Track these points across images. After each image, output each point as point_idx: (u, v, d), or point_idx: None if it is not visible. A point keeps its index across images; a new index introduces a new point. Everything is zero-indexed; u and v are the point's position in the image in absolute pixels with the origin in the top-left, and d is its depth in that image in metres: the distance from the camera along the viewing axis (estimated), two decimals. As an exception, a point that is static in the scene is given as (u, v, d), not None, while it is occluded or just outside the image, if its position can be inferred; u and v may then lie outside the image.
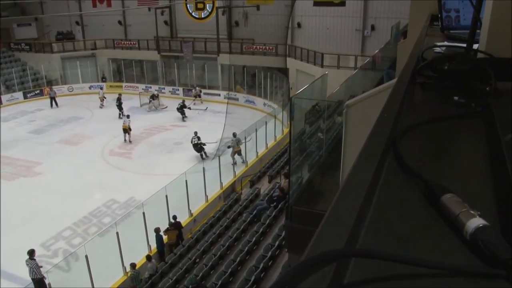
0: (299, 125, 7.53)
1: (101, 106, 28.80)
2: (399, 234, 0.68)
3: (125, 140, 22.50)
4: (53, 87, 32.08)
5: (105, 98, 28.85)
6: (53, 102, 29.86)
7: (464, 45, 1.82)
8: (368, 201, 0.71)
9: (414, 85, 1.63)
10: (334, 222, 0.61)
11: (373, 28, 26.60)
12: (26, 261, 11.69)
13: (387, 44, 15.37)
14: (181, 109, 26.08)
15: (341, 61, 24.95)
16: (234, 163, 18.17)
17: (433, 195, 0.78)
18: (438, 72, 1.66)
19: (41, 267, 11.88)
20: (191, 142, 19.96)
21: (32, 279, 11.59)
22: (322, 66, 25.08)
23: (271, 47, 29.48)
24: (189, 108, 26.36)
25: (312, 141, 8.22)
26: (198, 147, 19.89)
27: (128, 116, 23.05)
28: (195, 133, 20.10)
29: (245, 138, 18.28)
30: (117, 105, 26.76)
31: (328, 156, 7.62)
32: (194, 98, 29.16)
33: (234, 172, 17.52)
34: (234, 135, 18.74)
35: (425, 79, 1.65)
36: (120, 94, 27.96)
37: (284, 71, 27.84)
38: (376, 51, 14.85)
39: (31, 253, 11.78)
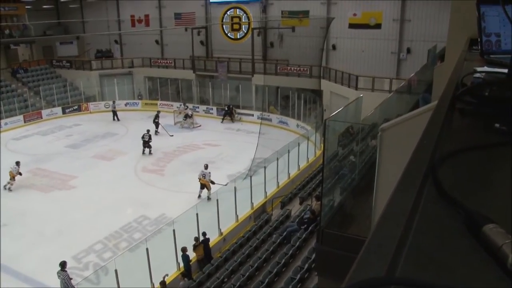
0: (332, 147, 7.48)
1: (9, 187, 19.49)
2: (439, 263, 0.67)
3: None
4: (91, 103, 33.16)
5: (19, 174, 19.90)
6: (115, 116, 30.69)
7: (505, 70, 1.78)
8: (407, 228, 0.71)
9: (454, 111, 1.61)
10: (375, 249, 0.62)
11: (408, 51, 26.40)
12: (58, 272, 11.95)
13: (423, 67, 15.16)
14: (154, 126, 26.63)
15: (376, 84, 24.77)
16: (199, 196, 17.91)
17: (474, 225, 0.77)
18: (478, 98, 1.63)
19: (72, 279, 12.12)
20: (142, 138, 23.13)
21: (63, 291, 11.83)
22: (356, 88, 24.96)
23: (305, 69, 29.58)
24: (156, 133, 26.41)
25: (344, 163, 8.14)
26: (147, 144, 23.09)
27: (148, 131, 24.05)
28: (148, 130, 23.63)
29: (277, 159, 18.24)
30: (154, 122, 27.19)
31: (361, 179, 7.52)
32: (184, 118, 29.30)
33: (265, 192, 17.48)
34: (206, 166, 18.48)
35: (465, 105, 1.63)
36: (158, 112, 28.49)
37: (318, 93, 27.83)
38: (412, 75, 14.66)
39: (63, 264, 12.06)
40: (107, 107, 33.33)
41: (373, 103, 9.24)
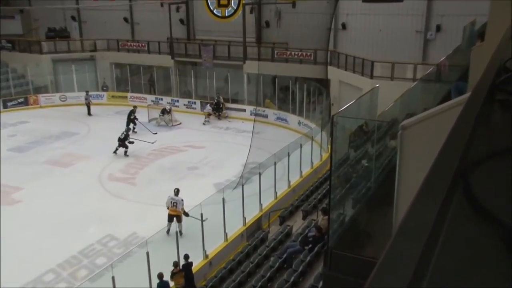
0: (342, 150, 7.49)
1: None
2: (470, 289, 0.67)
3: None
4: (42, 95, 33.09)
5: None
6: (90, 110, 30.95)
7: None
8: (431, 247, 0.71)
9: (493, 104, 1.60)
10: (389, 272, 0.61)
11: (438, 29, 26.32)
12: None
13: (457, 49, 15.20)
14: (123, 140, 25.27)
15: (396, 71, 24.83)
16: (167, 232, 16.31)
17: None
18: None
19: None
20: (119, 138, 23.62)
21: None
22: (371, 77, 25.05)
23: (308, 54, 29.66)
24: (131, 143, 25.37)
25: (357, 169, 8.16)
26: (122, 143, 23.55)
27: (129, 128, 24.74)
28: (128, 128, 24.81)
29: (275, 164, 18.25)
30: (130, 119, 27.29)
31: (378, 188, 7.53)
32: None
33: (261, 205, 17.48)
34: (176, 192, 16.78)
35: (508, 96, 1.61)
36: (135, 107, 28.61)
37: (324, 83, 27.88)
38: (442, 58, 14.69)
39: None
40: (63, 100, 33.20)
41: (392, 95, 9.27)
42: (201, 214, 14.32)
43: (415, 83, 15.61)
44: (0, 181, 19.71)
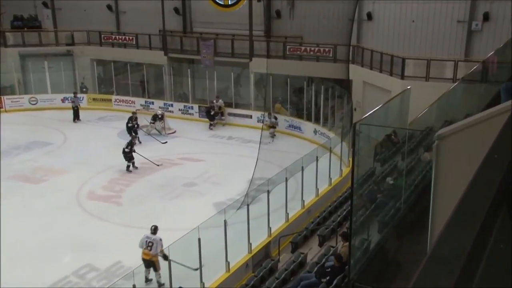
0: (366, 163, 7.50)
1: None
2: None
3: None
4: (6, 97, 32.95)
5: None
6: (76, 116, 30.85)
7: None
8: (467, 277, 0.71)
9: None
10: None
11: (486, 17, 26.01)
12: None
13: (509, 42, 15.19)
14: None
15: (432, 70, 24.78)
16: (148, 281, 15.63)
17: None
18: None
19: None
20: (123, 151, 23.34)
21: None
22: (402, 77, 25.04)
23: (327, 50, 29.71)
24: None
25: (384, 186, 8.16)
26: (127, 156, 23.31)
27: (134, 137, 24.91)
28: (133, 136, 24.80)
29: (286, 180, 18.25)
30: (129, 127, 27.08)
31: (409, 210, 7.53)
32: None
33: (269, 228, 17.46)
34: (154, 229, 15.44)
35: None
36: (134, 113, 28.21)
37: (345, 84, 27.85)
38: (490, 54, 14.68)
39: None
40: (33, 103, 33.14)
41: (427, 99, 9.26)
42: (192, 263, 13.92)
43: (455, 84, 15.56)
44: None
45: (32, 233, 18.28)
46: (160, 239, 15.04)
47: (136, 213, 19.94)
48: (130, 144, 23.65)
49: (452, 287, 0.64)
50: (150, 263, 14.99)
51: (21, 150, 26.60)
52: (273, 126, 28.56)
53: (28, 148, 26.89)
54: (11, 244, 17.49)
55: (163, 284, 14.67)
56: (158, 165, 23.92)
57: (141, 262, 13.31)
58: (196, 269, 13.71)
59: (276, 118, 29.00)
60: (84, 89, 34.88)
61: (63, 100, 33.37)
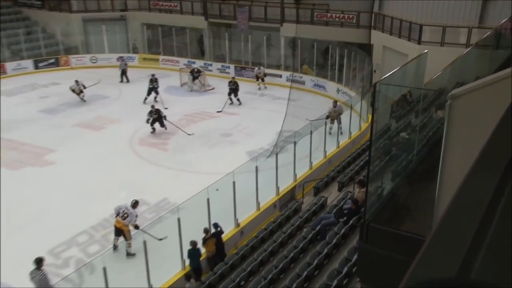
0: (383, 120, 7.42)
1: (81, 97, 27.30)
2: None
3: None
4: (72, 56, 33.38)
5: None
6: (124, 76, 30.65)
7: None
8: (485, 225, 0.70)
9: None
10: (441, 249, 0.61)
11: (501, -14, 25.11)
12: (32, 272, 11.39)
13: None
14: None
15: (448, 36, 24.15)
16: None
17: None
18: None
19: (49, 280, 11.66)
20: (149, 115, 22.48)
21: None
22: (419, 42, 24.52)
23: (351, 16, 29.19)
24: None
25: (399, 141, 8.08)
26: (156, 119, 22.45)
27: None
28: (152, 106, 23.08)
29: (311, 133, 18.19)
30: (152, 88, 26.67)
31: (421, 162, 7.46)
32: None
33: (295, 175, 17.51)
34: (134, 204, 14.36)
35: None
36: (153, 75, 27.26)
37: (366, 48, 27.46)
38: (504, 20, 14.14)
39: (39, 261, 11.47)
40: (93, 62, 33.57)
41: (442, 62, 9.06)
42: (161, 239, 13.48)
43: (469, 48, 15.08)
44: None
45: (93, 172, 18.77)
46: (136, 216, 14.09)
47: (179, 158, 20.21)
48: (149, 114, 22.47)
49: (474, 232, 0.63)
50: (120, 232, 14.09)
51: (83, 102, 26.78)
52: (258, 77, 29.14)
53: (89, 100, 27.09)
54: (77, 180, 18.13)
55: (134, 254, 13.81)
56: (189, 134, 22.43)
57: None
58: (161, 239, 13.17)
59: (259, 69, 29.36)
60: (136, 50, 35.04)
61: (117, 59, 33.39)
